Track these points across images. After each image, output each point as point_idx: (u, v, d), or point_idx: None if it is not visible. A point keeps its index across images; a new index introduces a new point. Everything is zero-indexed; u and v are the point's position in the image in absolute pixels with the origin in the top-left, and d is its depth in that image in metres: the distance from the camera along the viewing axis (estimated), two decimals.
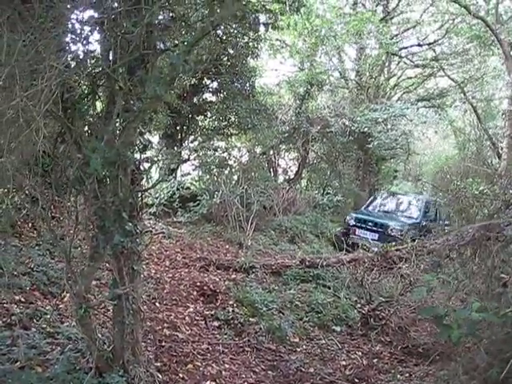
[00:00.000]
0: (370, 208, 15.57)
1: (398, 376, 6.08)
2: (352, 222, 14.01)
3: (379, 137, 16.12)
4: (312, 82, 16.56)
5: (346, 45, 18.54)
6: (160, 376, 4.81)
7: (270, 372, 5.75)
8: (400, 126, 16.57)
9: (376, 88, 19.05)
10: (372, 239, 13.02)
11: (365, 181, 19.06)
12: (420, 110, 18.36)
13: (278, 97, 17.66)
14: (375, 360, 6.54)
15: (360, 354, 6.71)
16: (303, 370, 5.94)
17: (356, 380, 5.86)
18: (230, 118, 14.84)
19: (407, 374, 6.12)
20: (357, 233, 13.64)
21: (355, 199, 18.67)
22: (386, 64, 19.73)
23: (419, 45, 19.02)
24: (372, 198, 16.56)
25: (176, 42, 4.04)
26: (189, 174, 14.18)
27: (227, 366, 5.64)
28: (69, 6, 3.49)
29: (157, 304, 6.91)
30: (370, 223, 13.69)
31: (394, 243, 11.07)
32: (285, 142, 17.86)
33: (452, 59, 18.52)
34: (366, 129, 16.12)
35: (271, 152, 17.79)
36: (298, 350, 6.50)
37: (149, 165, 4.59)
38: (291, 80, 17.22)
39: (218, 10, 3.74)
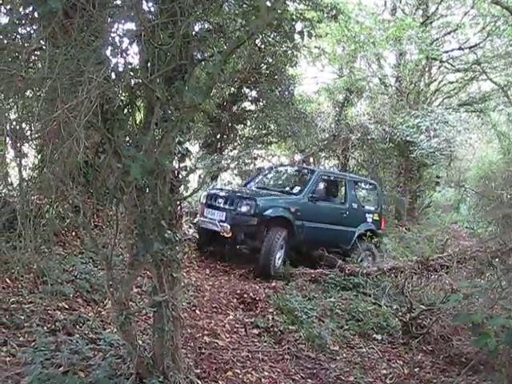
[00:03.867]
0: (250, 184, 11.97)
1: None
2: (204, 200, 10.46)
3: (421, 145, 15.86)
4: (351, 88, 16.52)
5: (386, 51, 18.38)
6: (200, 383, 4.84)
7: (309, 380, 5.72)
8: (442, 132, 16.27)
9: (416, 94, 18.85)
10: (220, 221, 9.67)
11: (406, 187, 18.82)
12: (462, 115, 18.05)
13: (317, 104, 17.64)
14: (417, 369, 6.44)
15: (401, 362, 6.62)
16: (343, 378, 5.89)
17: None
18: (270, 127, 14.92)
19: None
20: (205, 213, 10.11)
21: (397, 206, 18.46)
22: (427, 69, 19.46)
23: (460, 48, 18.74)
24: (256, 173, 13.24)
25: (212, 51, 4.10)
26: (230, 182, 14.30)
27: (267, 373, 5.64)
28: (108, 20, 3.58)
29: (197, 311, 6.96)
30: (220, 199, 10.09)
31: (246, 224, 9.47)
32: (324, 150, 17.84)
33: (494, 62, 18.14)
34: (407, 137, 15.92)
35: (311, 159, 17.77)
36: (338, 358, 6.45)
37: (187, 173, 4.65)
38: (330, 87, 17.20)
39: (253, 20, 3.78)
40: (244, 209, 9.59)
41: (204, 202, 10.29)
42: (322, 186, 11.36)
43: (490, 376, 5.30)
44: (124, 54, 3.59)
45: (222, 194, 10.32)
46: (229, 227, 9.46)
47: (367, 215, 11.72)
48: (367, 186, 13.23)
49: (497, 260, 6.74)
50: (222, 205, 9.90)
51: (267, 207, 9.68)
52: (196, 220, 10.46)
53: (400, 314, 7.78)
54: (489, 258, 6.97)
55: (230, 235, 9.49)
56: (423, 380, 6.12)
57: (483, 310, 5.44)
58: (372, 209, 12.08)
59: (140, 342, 4.43)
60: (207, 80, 3.68)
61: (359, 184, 12.80)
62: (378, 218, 11.96)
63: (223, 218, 9.68)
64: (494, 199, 9.16)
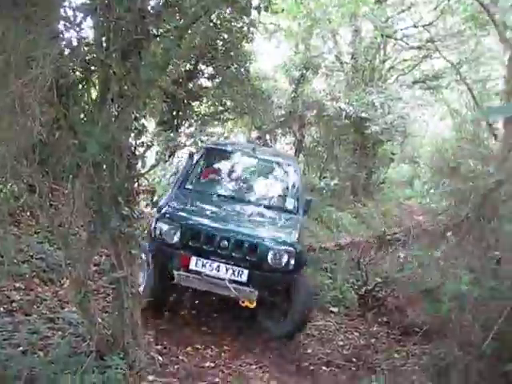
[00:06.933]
0: (190, 186, 7.25)
1: (395, 355, 6.21)
2: (176, 239, 5.98)
3: (376, 121, 16.07)
4: (307, 65, 16.52)
5: (341, 28, 18.44)
6: (160, 358, 4.90)
7: (268, 353, 5.83)
8: (396, 108, 16.52)
9: (371, 71, 18.95)
10: (232, 281, 5.85)
11: (362, 164, 19.04)
12: (416, 92, 18.32)
13: (273, 81, 17.61)
14: (373, 340, 6.65)
15: (357, 334, 6.82)
16: (301, 350, 6.04)
17: (354, 360, 5.97)
18: (226, 103, 14.86)
19: (404, 353, 6.25)
20: (192, 265, 5.90)
21: (353, 182, 18.70)
22: (382, 46, 19.63)
23: (414, 26, 18.91)
24: (189, 157, 7.83)
25: (168, 27, 4.06)
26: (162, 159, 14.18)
27: (226, 347, 5.73)
28: None
29: None
30: (222, 242, 5.97)
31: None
32: (281, 127, 17.85)
33: (447, 40, 18.40)
34: (363, 113, 16.09)
35: (267, 137, 17.79)
36: None
37: (144, 149, 4.64)
38: (286, 64, 17.18)
39: None
40: (278, 261, 6.02)
41: (179, 243, 5.98)
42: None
43: (442, 343, 5.51)
44: (78, 29, 3.53)
45: (220, 229, 6.13)
46: (256, 293, 5.86)
47: None
48: None
49: (449, 232, 6.94)
50: (229, 251, 5.97)
51: (303, 251, 6.50)
52: (175, 274, 5.85)
53: (356, 287, 7.96)
54: (442, 230, 7.18)
55: (254, 305, 5.93)
56: (379, 350, 6.32)
57: (436, 278, 5.64)
58: None
59: (99, 320, 4.42)
60: (163, 55, 3.66)
61: None
62: None
63: (242, 279, 5.91)
64: (448, 174, 9.36)
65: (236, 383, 5.02)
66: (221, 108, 15.04)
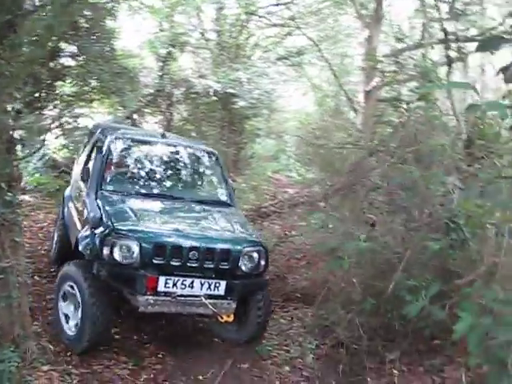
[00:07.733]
0: (110, 187, 6.05)
1: (281, 320, 6.56)
2: (134, 258, 4.99)
3: (244, 97, 16.34)
4: (173, 42, 16.39)
5: (205, 4, 18.41)
6: (52, 347, 4.79)
7: (159, 332, 5.87)
8: (262, 84, 16.90)
9: (236, 48, 19.17)
10: (208, 296, 5.18)
11: (230, 140, 19.28)
12: (280, 69, 18.81)
13: (139, 59, 17.27)
14: None
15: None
16: (192, 325, 6.14)
17: None
18: (91, 83, 14.33)
19: (289, 318, 6.62)
20: (161, 287, 5.00)
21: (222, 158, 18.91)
22: (245, 24, 19.89)
23: (276, 4, 19.34)
24: (97, 152, 6.68)
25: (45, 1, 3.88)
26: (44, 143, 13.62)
27: (118, 329, 5.68)
28: None
29: (36, 277, 6.72)
30: (191, 252, 5.16)
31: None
32: (149, 106, 17.59)
33: (308, 18, 19.06)
34: (230, 90, 16.28)
35: (135, 116, 17.46)
36: None
37: (22, 132, 4.44)
38: (152, 41, 16.92)
39: None
40: (250, 263, 5.49)
41: (137, 258, 4.98)
42: None
43: (324, 305, 5.89)
44: None
45: (185, 238, 5.25)
46: (234, 306, 5.38)
47: None
48: None
49: (324, 201, 7.34)
50: (200, 263, 5.21)
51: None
52: (140, 300, 4.98)
53: None
54: (316, 201, 7.57)
55: (232, 319, 5.45)
56: None
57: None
58: None
59: None
60: (46, 32, 3.50)
61: None
62: None
63: (220, 291, 5.27)
64: (317, 147, 9.82)
65: (132, 362, 5.03)
66: (86, 88, 14.48)
